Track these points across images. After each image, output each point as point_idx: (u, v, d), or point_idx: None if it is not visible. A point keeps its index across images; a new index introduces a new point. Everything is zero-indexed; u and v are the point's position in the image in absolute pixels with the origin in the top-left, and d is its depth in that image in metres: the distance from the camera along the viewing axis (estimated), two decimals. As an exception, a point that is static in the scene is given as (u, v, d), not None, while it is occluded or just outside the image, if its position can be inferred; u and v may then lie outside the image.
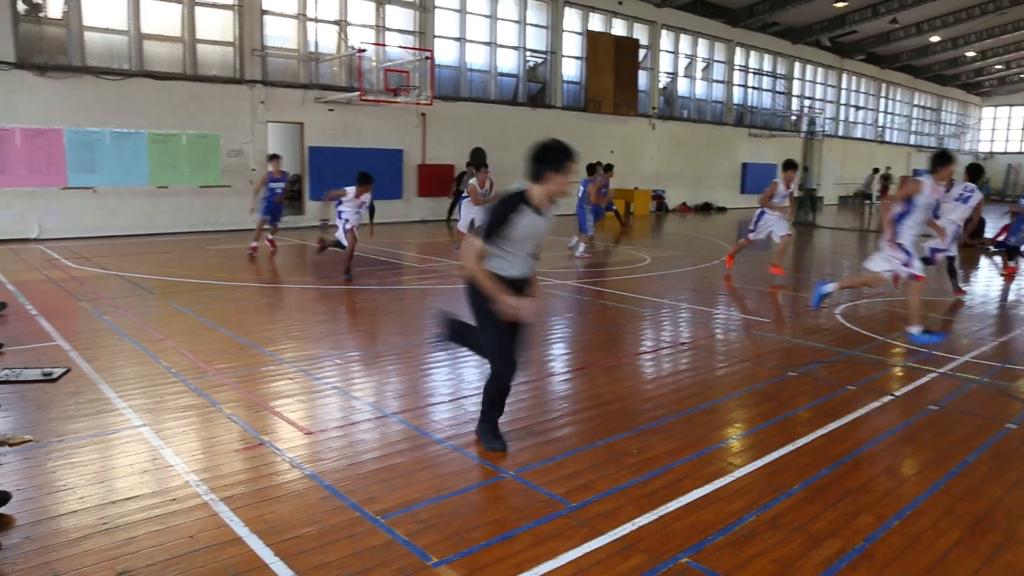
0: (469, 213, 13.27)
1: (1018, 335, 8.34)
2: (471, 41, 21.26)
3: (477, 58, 21.63)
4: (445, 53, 20.61)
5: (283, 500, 3.78)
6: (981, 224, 17.45)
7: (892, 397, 5.70)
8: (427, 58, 18.85)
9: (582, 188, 14.07)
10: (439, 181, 20.32)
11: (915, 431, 5.11)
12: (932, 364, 6.71)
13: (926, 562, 3.36)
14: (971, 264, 14.73)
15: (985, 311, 9.64)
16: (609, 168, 15.35)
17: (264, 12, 17.30)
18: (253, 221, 13.35)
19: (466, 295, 4.36)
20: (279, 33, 17.88)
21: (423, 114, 19.74)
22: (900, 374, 6.47)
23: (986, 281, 12.99)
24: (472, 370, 6.24)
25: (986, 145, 49.68)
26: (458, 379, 6.05)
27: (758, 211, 11.60)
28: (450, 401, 5.44)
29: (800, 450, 4.58)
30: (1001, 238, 15.27)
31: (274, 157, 12.83)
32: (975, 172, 10.57)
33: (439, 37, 20.31)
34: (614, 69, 23.39)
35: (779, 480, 4.18)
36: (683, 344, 7.46)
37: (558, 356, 7.02)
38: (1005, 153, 48.00)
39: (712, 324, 8.48)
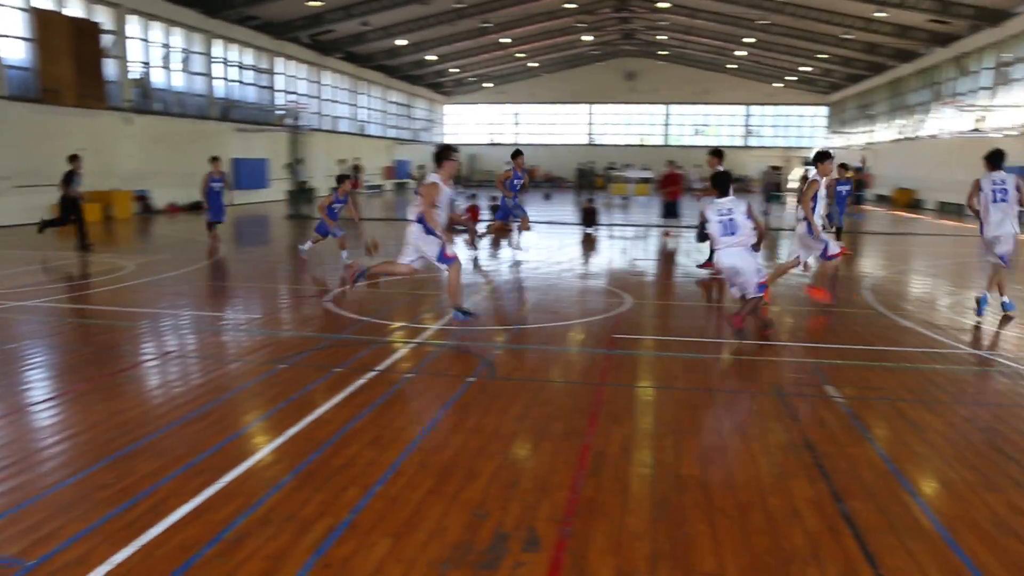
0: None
1: (485, 299, 9.77)
2: None
3: None
4: None
5: None
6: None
7: (375, 372, 6.17)
8: None
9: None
10: None
11: (394, 399, 5.62)
12: (408, 336, 7.45)
13: (404, 517, 3.71)
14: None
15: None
16: (518, 154, 13.35)
17: None
18: None
19: None
20: None
21: None
22: (382, 350, 7.02)
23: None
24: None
25: (451, 138, 57.27)
26: None
27: (805, 224, 8.86)
28: None
29: (291, 440, 4.67)
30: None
31: None
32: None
33: None
34: (74, 55, 20.64)
35: (269, 475, 4.20)
36: (169, 353, 6.99)
37: (16, 390, 5.98)
38: (467, 144, 56.09)
39: (203, 328, 8.13)
